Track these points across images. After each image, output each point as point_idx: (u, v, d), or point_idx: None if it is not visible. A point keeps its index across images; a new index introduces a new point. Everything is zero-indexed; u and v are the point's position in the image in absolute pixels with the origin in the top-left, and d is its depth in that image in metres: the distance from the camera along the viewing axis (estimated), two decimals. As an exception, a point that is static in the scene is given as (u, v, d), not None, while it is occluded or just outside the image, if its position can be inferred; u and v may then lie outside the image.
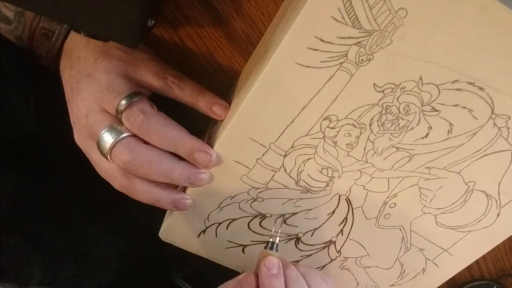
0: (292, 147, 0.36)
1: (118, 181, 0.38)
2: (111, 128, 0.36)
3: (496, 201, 0.39)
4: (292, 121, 0.35)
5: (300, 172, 0.38)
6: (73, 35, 0.39)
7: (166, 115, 0.37)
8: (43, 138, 0.44)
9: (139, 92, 0.37)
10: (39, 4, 0.32)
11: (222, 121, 0.39)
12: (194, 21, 0.40)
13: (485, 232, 0.41)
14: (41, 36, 0.39)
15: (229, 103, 0.39)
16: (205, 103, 0.39)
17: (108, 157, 0.36)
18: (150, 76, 0.38)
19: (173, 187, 0.39)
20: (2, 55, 0.40)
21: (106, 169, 0.38)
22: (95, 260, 0.47)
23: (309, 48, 0.31)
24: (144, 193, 0.38)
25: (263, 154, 0.37)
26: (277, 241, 0.38)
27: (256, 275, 0.35)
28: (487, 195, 0.39)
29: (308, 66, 0.32)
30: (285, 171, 0.38)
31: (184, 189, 0.40)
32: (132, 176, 0.37)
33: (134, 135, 0.36)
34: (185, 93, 0.39)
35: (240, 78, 0.41)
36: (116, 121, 0.37)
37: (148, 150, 0.36)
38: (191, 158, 0.37)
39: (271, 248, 0.38)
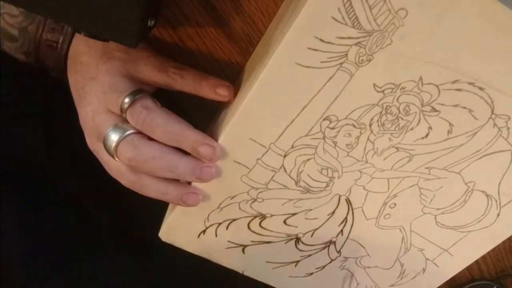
0: (292, 147, 0.36)
1: (125, 178, 0.38)
2: (116, 127, 0.37)
3: (496, 201, 0.39)
4: (292, 121, 0.35)
5: (300, 173, 0.38)
6: (75, 42, 0.39)
7: (169, 110, 0.37)
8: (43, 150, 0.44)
9: (141, 90, 0.37)
10: (39, 4, 0.32)
11: (222, 121, 0.38)
12: (194, 21, 0.40)
13: (485, 232, 0.41)
14: (46, 48, 0.40)
15: (229, 103, 0.39)
16: (208, 87, 0.38)
17: (114, 155, 0.36)
18: (151, 71, 0.38)
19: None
20: (12, 85, 0.40)
21: (114, 167, 0.38)
22: (90, 263, 0.47)
23: (309, 48, 0.31)
24: (151, 187, 0.38)
25: (263, 154, 0.37)
26: None
27: None
28: (487, 195, 0.39)
29: (308, 66, 0.32)
30: (285, 171, 0.38)
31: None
32: (139, 172, 0.37)
33: (138, 132, 0.37)
34: (187, 81, 0.38)
35: (240, 78, 0.41)
36: (121, 120, 0.37)
37: (151, 146, 0.36)
38: (195, 152, 0.37)
39: None
